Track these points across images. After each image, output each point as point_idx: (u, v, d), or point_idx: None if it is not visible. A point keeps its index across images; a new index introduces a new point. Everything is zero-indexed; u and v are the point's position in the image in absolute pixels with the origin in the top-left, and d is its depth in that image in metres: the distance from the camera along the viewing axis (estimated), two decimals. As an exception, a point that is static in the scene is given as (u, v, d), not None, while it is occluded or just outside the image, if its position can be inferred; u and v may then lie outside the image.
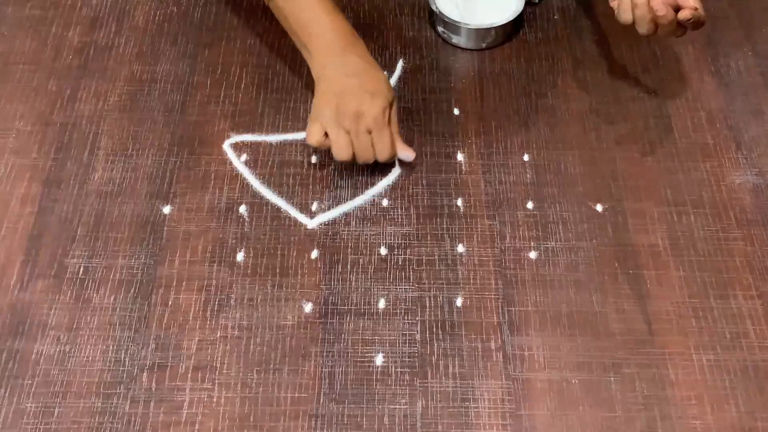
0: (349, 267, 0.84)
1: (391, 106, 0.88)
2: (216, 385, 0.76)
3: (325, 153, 0.92)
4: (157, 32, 1.04)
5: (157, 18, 1.06)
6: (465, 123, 0.96)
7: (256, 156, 0.92)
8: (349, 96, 0.86)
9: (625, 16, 0.86)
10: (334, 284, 0.83)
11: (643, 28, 0.85)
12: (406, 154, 0.89)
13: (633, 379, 0.77)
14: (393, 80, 0.99)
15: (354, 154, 0.87)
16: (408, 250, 0.85)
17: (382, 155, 0.87)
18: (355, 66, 0.89)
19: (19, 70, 1.00)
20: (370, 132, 0.86)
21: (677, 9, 0.83)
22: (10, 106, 0.96)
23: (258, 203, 0.89)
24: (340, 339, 0.79)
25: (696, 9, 0.82)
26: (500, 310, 0.81)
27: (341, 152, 0.86)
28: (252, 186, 0.90)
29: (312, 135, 0.87)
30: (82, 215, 0.87)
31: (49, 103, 0.97)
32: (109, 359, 0.77)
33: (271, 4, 0.94)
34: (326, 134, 0.87)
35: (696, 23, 0.84)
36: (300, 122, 0.95)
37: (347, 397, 0.76)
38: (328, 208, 0.88)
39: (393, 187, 0.90)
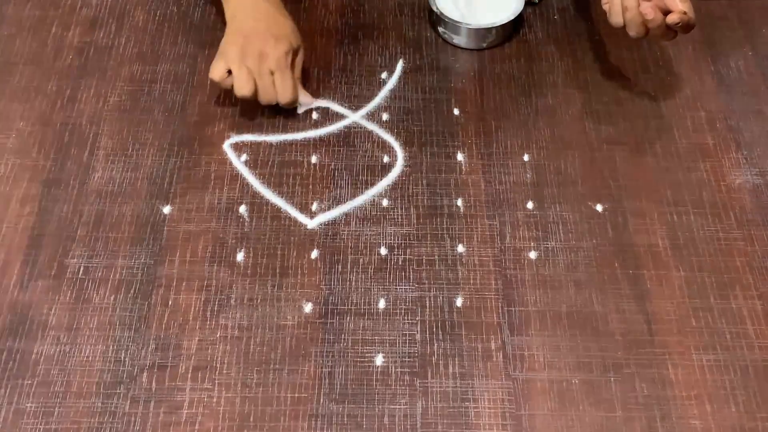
0: (349, 267, 0.84)
1: (296, 52, 0.94)
2: (216, 385, 0.76)
3: (324, 153, 0.92)
4: (157, 32, 1.04)
5: (157, 18, 1.06)
6: (465, 123, 0.96)
7: (256, 156, 0.92)
8: (255, 37, 0.91)
9: (615, 19, 0.88)
10: (334, 284, 0.83)
11: (633, 31, 0.87)
12: (306, 99, 0.94)
13: (633, 379, 0.77)
14: (393, 80, 0.99)
15: (256, 93, 0.91)
16: (408, 250, 0.85)
17: (283, 97, 0.92)
18: (264, 11, 0.94)
19: (19, 70, 1.00)
20: (272, 74, 0.91)
21: (667, 12, 0.84)
22: (10, 106, 0.96)
23: (258, 203, 0.89)
24: (340, 339, 0.79)
25: (685, 13, 0.84)
26: (500, 310, 0.81)
27: (242, 88, 0.90)
28: (252, 186, 0.90)
29: (215, 70, 0.92)
30: (82, 215, 0.87)
31: (49, 103, 0.97)
32: (109, 359, 0.77)
33: None
34: (229, 72, 0.91)
35: (685, 27, 0.85)
36: (300, 122, 0.95)
37: (347, 397, 0.76)
38: (328, 208, 0.88)
39: (393, 187, 0.90)
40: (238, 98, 0.92)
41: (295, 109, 0.96)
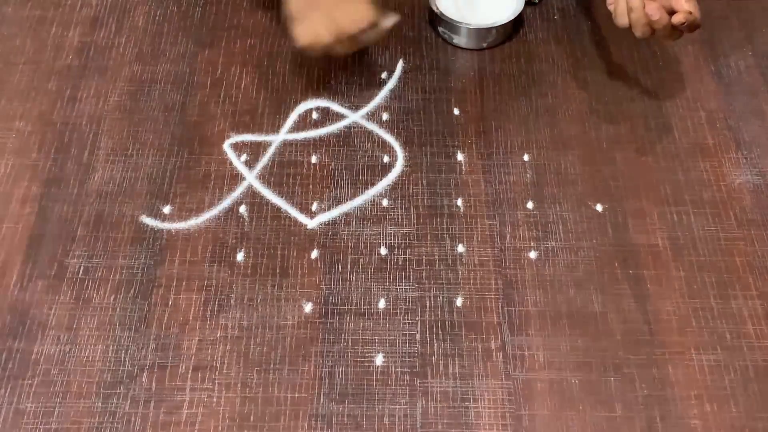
0: (349, 267, 0.84)
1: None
2: (216, 385, 0.76)
3: (324, 153, 0.92)
4: (157, 32, 1.04)
5: (157, 18, 1.06)
6: (465, 123, 0.96)
7: (256, 156, 0.92)
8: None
9: (621, 20, 0.87)
10: (334, 284, 0.83)
11: (638, 32, 0.86)
12: (390, 19, 0.90)
13: (633, 379, 0.77)
14: (393, 80, 0.99)
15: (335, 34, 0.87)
16: (408, 250, 0.85)
17: (364, 21, 0.88)
18: None
19: (19, 70, 1.00)
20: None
21: (672, 12, 0.84)
22: (10, 106, 0.96)
23: (258, 203, 0.89)
24: (340, 339, 0.79)
25: (690, 12, 0.83)
26: (500, 310, 0.81)
27: (322, 35, 0.87)
28: (252, 186, 0.90)
29: (303, 35, 0.88)
30: (82, 215, 0.87)
31: (49, 103, 0.97)
32: (109, 359, 0.77)
33: None
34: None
35: (691, 26, 0.85)
36: (300, 122, 0.95)
37: (347, 397, 0.76)
38: (328, 208, 0.88)
39: (393, 187, 0.90)
40: (316, 48, 0.89)
41: (295, 108, 0.95)
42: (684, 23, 0.84)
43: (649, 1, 0.85)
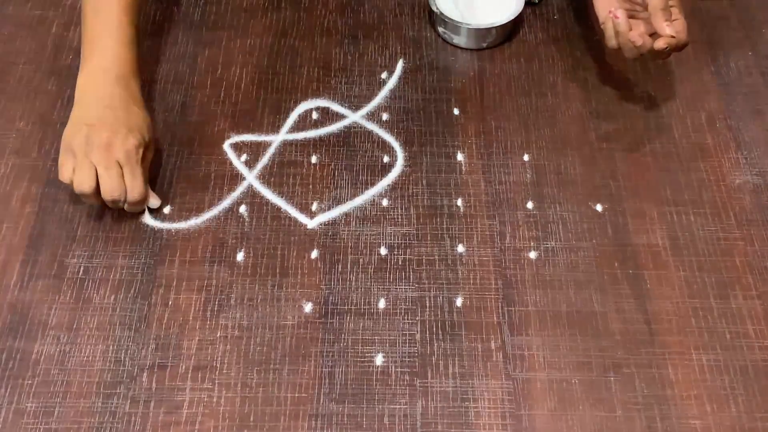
0: (349, 267, 0.84)
1: (147, 148, 0.85)
2: (216, 385, 0.76)
3: (324, 153, 0.92)
4: (157, 32, 1.04)
5: (157, 18, 1.06)
6: (465, 123, 0.96)
7: (256, 156, 0.92)
8: (102, 126, 0.82)
9: (610, 42, 0.90)
10: (334, 284, 0.83)
11: (627, 54, 0.89)
12: (153, 201, 0.86)
13: (633, 379, 0.77)
14: (393, 80, 0.99)
15: (99, 188, 0.81)
16: (408, 250, 0.85)
17: (132, 194, 0.82)
18: (119, 99, 0.85)
19: (19, 70, 1.00)
20: (120, 168, 0.82)
21: (658, 34, 0.86)
22: (10, 106, 0.96)
23: (258, 203, 0.89)
24: (340, 339, 0.79)
25: (673, 37, 0.86)
26: (500, 310, 0.81)
27: (83, 183, 0.81)
28: (252, 186, 0.90)
29: (63, 170, 0.82)
30: (82, 215, 0.87)
31: (49, 103, 0.96)
32: (109, 359, 0.77)
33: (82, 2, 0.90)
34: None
35: (675, 48, 0.87)
36: (300, 122, 0.95)
37: (347, 397, 0.76)
38: (328, 208, 0.88)
39: (393, 187, 0.90)
40: (78, 194, 0.82)
41: (295, 108, 0.96)
42: (666, 48, 0.86)
43: (636, 23, 0.88)
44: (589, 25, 1.06)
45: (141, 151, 0.84)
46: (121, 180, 0.82)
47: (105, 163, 0.81)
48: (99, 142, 0.82)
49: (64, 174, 0.82)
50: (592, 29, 1.06)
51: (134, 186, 0.83)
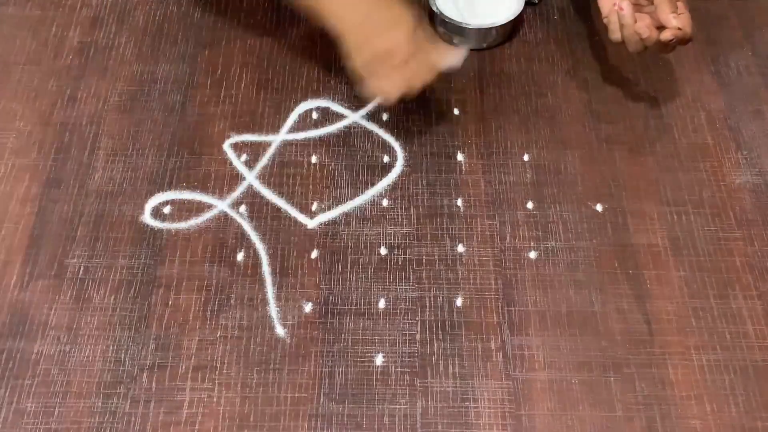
0: (349, 267, 0.84)
1: (416, 25, 0.86)
2: (216, 385, 0.76)
3: (324, 153, 0.92)
4: (157, 32, 1.04)
5: (157, 18, 1.06)
6: (465, 123, 0.96)
7: (256, 156, 0.92)
8: (374, 36, 0.85)
9: (614, 35, 0.90)
10: (334, 284, 0.83)
11: (631, 47, 0.89)
12: (455, 57, 0.89)
13: (633, 379, 0.77)
14: (393, 80, 0.99)
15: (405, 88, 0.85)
16: (408, 250, 0.85)
17: (430, 76, 0.86)
18: (366, 6, 0.87)
19: (19, 70, 1.00)
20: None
21: (663, 28, 0.86)
22: (10, 106, 0.96)
23: (258, 203, 0.89)
24: (340, 339, 0.79)
25: (679, 29, 0.85)
26: (500, 310, 0.81)
27: (392, 92, 0.86)
28: (252, 186, 0.90)
29: (373, 92, 0.87)
30: (82, 215, 0.87)
31: (49, 103, 0.97)
32: (109, 359, 0.77)
33: None
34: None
35: (681, 41, 0.87)
36: (300, 122, 0.95)
37: (347, 397, 0.76)
38: (328, 208, 0.88)
39: (393, 187, 0.90)
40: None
41: (295, 108, 0.96)
42: (672, 40, 0.86)
43: (641, 16, 0.87)
44: (590, 24, 1.06)
45: (414, 34, 0.85)
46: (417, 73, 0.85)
47: (396, 66, 0.85)
48: (381, 53, 0.84)
49: (391, 95, 0.86)
50: (593, 29, 1.06)
51: (426, 70, 0.86)
